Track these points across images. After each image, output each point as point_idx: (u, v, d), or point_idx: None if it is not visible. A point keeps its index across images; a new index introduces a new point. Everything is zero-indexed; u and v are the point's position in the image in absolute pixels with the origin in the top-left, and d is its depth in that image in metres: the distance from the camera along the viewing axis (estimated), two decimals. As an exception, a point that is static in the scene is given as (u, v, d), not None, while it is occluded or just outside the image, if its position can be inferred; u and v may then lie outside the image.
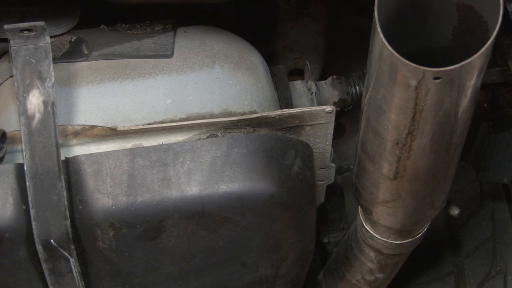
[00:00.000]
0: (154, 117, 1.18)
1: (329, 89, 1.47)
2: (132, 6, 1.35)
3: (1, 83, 1.21)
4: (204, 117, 1.19)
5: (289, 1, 1.51)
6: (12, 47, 1.07)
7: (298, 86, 1.45)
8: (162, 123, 1.18)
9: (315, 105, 1.41)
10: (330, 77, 1.48)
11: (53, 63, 1.12)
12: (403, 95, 1.01)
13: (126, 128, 1.16)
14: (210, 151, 1.14)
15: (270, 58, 1.59)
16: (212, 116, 1.19)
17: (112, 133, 1.16)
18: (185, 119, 1.19)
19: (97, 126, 1.16)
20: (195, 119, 1.19)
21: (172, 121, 1.18)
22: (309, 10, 1.53)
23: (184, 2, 1.32)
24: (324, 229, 1.71)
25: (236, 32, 1.35)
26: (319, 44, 1.57)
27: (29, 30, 1.06)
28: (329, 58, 1.64)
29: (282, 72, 1.48)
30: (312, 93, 1.42)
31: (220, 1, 1.34)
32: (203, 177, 1.13)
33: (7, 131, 1.14)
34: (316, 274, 1.63)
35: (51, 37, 1.20)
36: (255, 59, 1.30)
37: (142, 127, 1.16)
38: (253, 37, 1.42)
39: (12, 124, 1.15)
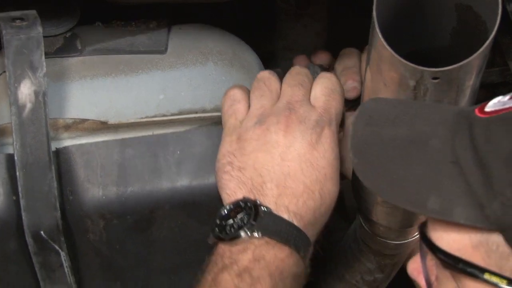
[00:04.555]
0: (146, 112, 1.19)
1: None
2: (132, 7, 1.36)
3: None
4: (196, 113, 1.20)
5: (289, 1, 1.51)
6: (4, 37, 1.08)
7: None
8: (154, 118, 1.19)
9: None
10: None
11: (47, 58, 1.12)
12: (402, 95, 1.00)
13: (117, 122, 1.17)
14: (200, 141, 1.14)
15: (270, 58, 1.58)
16: (204, 111, 1.20)
17: (103, 126, 1.16)
18: (177, 115, 1.19)
19: (88, 119, 1.16)
20: (187, 114, 1.19)
21: (164, 116, 1.19)
22: (309, 10, 1.52)
23: (183, 2, 1.32)
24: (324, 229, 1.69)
25: (236, 32, 1.36)
26: (319, 44, 1.57)
27: (21, 19, 1.07)
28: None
29: (280, 75, 1.46)
30: None
31: (220, 1, 1.35)
32: (194, 167, 1.13)
33: None
34: (315, 274, 1.61)
35: (50, 36, 1.22)
36: (250, 58, 1.31)
37: (133, 121, 1.17)
38: (253, 37, 1.42)
39: (3, 118, 1.15)
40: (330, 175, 1.07)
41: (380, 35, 0.94)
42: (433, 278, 0.89)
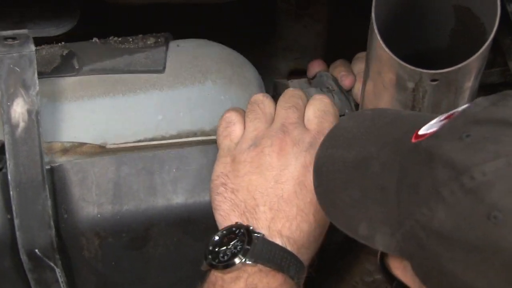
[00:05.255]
0: (145, 134, 1.18)
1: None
2: (132, 8, 1.34)
3: None
4: (195, 134, 1.19)
5: (289, 1, 1.50)
6: (-4, 56, 1.08)
7: None
8: (152, 139, 1.18)
9: None
10: None
11: (43, 77, 1.13)
12: (401, 97, 1.01)
13: (115, 146, 1.16)
14: (196, 159, 1.14)
15: (270, 58, 1.58)
16: (203, 133, 1.19)
17: (101, 150, 1.16)
18: (176, 136, 1.18)
19: (86, 143, 1.15)
20: (186, 136, 1.18)
21: (162, 137, 1.18)
22: (309, 10, 1.51)
23: (183, 2, 1.31)
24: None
25: (236, 33, 1.34)
26: (319, 44, 1.56)
27: (13, 38, 1.06)
28: (329, 58, 1.62)
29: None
30: None
31: (220, 1, 1.33)
32: (189, 185, 1.13)
33: None
34: (315, 275, 1.62)
35: (49, 37, 1.21)
36: (249, 74, 1.29)
37: (132, 145, 1.16)
38: (253, 38, 1.42)
39: None
40: None
41: (379, 38, 0.94)
42: None
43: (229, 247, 1.02)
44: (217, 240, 1.03)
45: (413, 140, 0.83)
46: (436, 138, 0.79)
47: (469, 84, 0.99)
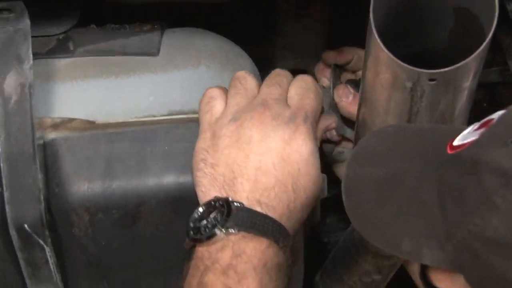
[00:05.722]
0: (136, 114, 1.18)
1: None
2: (132, 7, 1.36)
3: None
4: (185, 114, 1.19)
5: (289, 1, 1.51)
6: (-9, 29, 1.09)
7: None
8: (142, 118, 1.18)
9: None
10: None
11: (38, 59, 1.13)
12: (399, 97, 1.00)
13: (105, 122, 1.16)
14: (187, 136, 1.14)
15: (270, 58, 1.59)
16: (194, 113, 1.19)
17: (91, 126, 1.16)
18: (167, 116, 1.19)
19: (76, 119, 1.16)
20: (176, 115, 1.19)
21: (153, 117, 1.19)
22: (309, 10, 1.52)
23: (184, 2, 1.32)
24: (324, 229, 1.67)
25: (236, 33, 1.35)
26: (319, 44, 1.56)
27: (8, 10, 1.07)
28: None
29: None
30: None
31: (220, 1, 1.35)
32: (180, 162, 1.12)
33: None
34: (314, 275, 1.59)
35: (48, 36, 1.23)
36: (243, 62, 1.30)
37: (121, 121, 1.17)
38: (252, 38, 1.42)
39: None
40: (304, 171, 1.05)
41: (377, 37, 0.94)
42: None
43: (209, 219, 1.01)
44: (197, 216, 1.03)
45: (450, 152, 0.83)
46: (478, 147, 0.79)
47: (467, 84, 0.99)
